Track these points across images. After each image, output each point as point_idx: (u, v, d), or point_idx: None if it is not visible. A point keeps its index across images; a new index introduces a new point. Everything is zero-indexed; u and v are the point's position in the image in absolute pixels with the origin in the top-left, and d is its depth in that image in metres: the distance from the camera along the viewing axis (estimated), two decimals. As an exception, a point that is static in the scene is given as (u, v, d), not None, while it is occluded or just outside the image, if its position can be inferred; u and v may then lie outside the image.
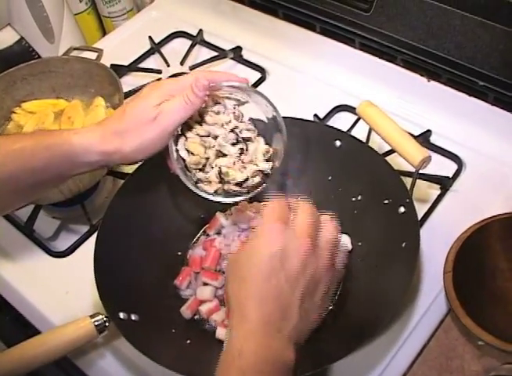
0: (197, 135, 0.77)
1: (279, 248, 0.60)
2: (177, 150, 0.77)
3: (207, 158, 0.76)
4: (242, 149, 0.77)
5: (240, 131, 0.77)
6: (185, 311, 0.81)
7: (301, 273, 0.60)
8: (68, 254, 0.95)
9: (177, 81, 0.75)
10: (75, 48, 1.10)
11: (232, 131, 0.76)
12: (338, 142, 0.88)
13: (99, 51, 1.08)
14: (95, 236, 0.86)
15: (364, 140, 0.91)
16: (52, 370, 0.90)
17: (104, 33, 1.44)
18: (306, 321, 0.61)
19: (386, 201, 0.83)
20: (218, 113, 0.77)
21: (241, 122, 0.78)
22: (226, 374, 0.57)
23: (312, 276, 0.61)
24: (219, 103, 0.78)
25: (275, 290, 0.59)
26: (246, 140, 0.77)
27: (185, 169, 0.77)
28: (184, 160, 0.77)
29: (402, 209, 0.80)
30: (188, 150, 0.76)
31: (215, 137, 0.76)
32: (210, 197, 0.76)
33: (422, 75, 1.03)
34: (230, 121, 0.76)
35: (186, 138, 0.77)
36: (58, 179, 0.78)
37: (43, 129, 0.86)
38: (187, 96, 0.72)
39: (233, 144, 0.76)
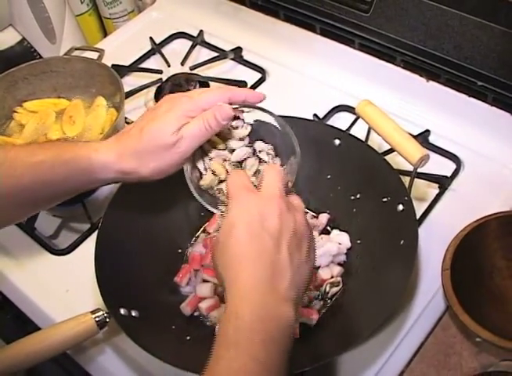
0: (218, 151, 0.76)
1: (255, 214, 0.61)
2: (194, 168, 0.77)
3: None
4: (258, 171, 0.77)
5: (259, 152, 0.76)
6: (185, 308, 0.82)
7: (283, 229, 0.61)
8: (69, 253, 0.95)
9: (194, 101, 0.73)
10: (76, 49, 1.10)
11: (249, 145, 0.76)
12: (337, 141, 0.89)
13: (101, 51, 1.09)
14: (95, 234, 0.87)
15: (363, 139, 0.92)
16: (51, 367, 0.91)
17: (105, 34, 1.44)
18: (299, 276, 0.61)
19: (384, 199, 0.84)
20: (236, 127, 0.77)
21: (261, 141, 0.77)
22: (224, 335, 0.57)
23: (294, 230, 0.61)
24: (238, 118, 0.76)
25: (262, 249, 0.60)
26: (262, 161, 0.77)
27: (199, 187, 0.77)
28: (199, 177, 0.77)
29: (400, 207, 0.81)
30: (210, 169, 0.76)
31: (232, 150, 0.76)
32: None
33: (421, 75, 1.04)
34: (248, 136, 0.76)
35: (208, 155, 0.77)
36: (73, 193, 0.79)
37: (63, 140, 0.87)
38: (208, 123, 0.71)
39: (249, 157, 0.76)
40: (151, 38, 1.26)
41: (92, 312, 0.77)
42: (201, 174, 0.76)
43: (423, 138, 0.99)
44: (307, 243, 0.63)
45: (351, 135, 0.91)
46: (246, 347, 0.55)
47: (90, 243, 0.94)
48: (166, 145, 0.72)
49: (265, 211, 0.61)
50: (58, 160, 0.73)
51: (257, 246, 0.60)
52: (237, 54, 1.20)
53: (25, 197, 0.75)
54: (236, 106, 0.74)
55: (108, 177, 0.75)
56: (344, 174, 0.89)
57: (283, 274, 0.59)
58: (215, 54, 1.21)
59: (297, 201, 0.66)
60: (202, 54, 1.24)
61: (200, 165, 0.76)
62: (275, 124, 0.76)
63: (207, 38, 1.26)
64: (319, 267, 0.84)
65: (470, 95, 0.99)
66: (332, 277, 0.82)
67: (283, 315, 0.58)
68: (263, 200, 0.63)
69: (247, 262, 0.59)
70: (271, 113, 0.75)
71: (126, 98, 1.05)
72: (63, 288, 0.91)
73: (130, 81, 1.17)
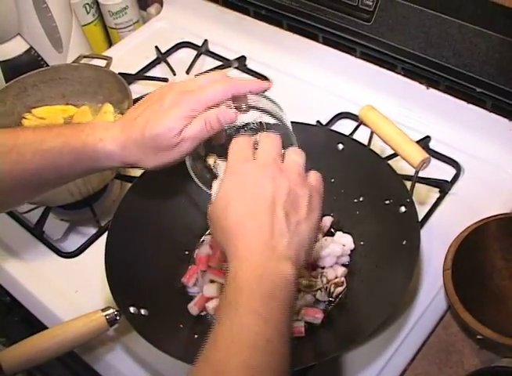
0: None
1: (249, 182, 0.64)
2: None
3: None
4: None
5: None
6: (193, 307, 0.84)
7: (276, 193, 0.63)
8: (77, 255, 0.97)
9: (198, 98, 0.73)
10: (85, 56, 1.12)
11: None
12: (341, 146, 0.91)
13: (108, 59, 1.11)
14: (103, 237, 0.89)
15: (365, 144, 0.94)
16: (58, 368, 0.93)
17: (110, 44, 1.47)
18: (299, 234, 0.63)
19: (387, 202, 0.86)
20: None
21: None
22: (225, 299, 0.59)
23: (288, 192, 0.63)
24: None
25: (257, 213, 0.62)
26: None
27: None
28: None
29: (402, 209, 0.83)
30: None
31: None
32: None
33: (421, 83, 1.06)
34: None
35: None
36: (78, 177, 0.82)
37: (70, 125, 0.87)
38: (210, 125, 0.72)
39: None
40: (157, 48, 1.29)
41: (103, 310, 0.78)
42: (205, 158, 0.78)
43: (423, 144, 1.00)
44: (305, 202, 0.64)
45: (354, 139, 0.93)
46: (247, 304, 0.57)
47: (98, 246, 0.96)
48: (168, 146, 0.73)
49: (258, 178, 0.64)
50: (66, 147, 0.75)
51: (253, 214, 0.62)
52: (241, 63, 1.23)
53: (32, 182, 0.77)
54: (241, 108, 0.75)
55: (112, 165, 0.78)
56: (347, 177, 0.91)
57: (281, 235, 0.61)
58: (220, 63, 1.24)
59: (295, 157, 0.67)
60: (207, 63, 1.26)
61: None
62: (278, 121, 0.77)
63: (211, 48, 1.28)
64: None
65: (469, 102, 1.01)
66: (336, 278, 0.84)
67: (281, 273, 0.60)
68: (257, 167, 0.65)
69: (245, 231, 0.62)
70: (275, 114, 0.77)
71: (133, 105, 1.07)
72: (71, 289, 0.92)
73: (136, 89, 1.19)
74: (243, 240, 0.61)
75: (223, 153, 0.74)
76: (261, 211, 0.62)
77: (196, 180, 0.78)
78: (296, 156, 0.68)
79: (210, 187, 0.76)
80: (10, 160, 0.74)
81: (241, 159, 0.67)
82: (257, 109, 0.76)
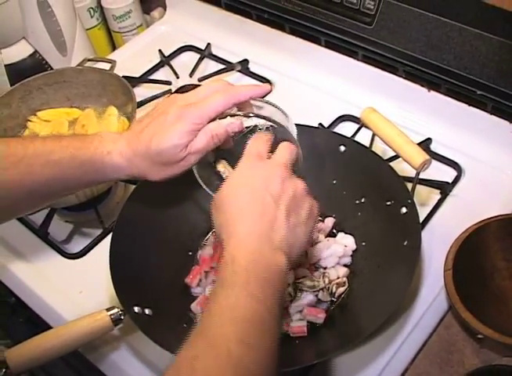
0: None
1: (259, 177, 0.67)
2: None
3: None
4: None
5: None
6: (196, 307, 0.84)
7: (283, 193, 0.67)
8: (81, 256, 0.98)
9: (201, 111, 0.74)
10: (89, 60, 1.14)
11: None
12: (343, 148, 0.92)
13: (113, 62, 1.12)
14: (107, 238, 0.90)
15: (367, 146, 0.95)
16: (62, 367, 0.94)
17: (114, 48, 1.48)
18: (295, 235, 0.67)
19: (388, 203, 0.86)
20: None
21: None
22: (221, 280, 0.61)
23: (294, 194, 0.67)
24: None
25: (262, 207, 0.65)
26: None
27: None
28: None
29: (403, 209, 0.84)
30: None
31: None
32: None
33: (422, 86, 1.07)
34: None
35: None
36: (85, 187, 0.86)
37: (78, 136, 0.88)
38: (217, 137, 0.74)
39: None
40: (160, 51, 1.30)
41: (107, 310, 0.79)
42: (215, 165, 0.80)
43: (424, 146, 1.01)
44: (306, 210, 0.68)
45: (355, 141, 0.94)
46: (243, 286, 0.59)
47: (102, 247, 0.97)
48: (174, 160, 0.75)
49: (269, 176, 0.67)
50: (75, 160, 0.76)
51: (258, 204, 0.65)
52: (244, 66, 1.24)
53: (40, 192, 0.78)
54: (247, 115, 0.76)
55: (119, 178, 0.81)
56: (349, 179, 0.92)
57: (279, 229, 0.65)
58: (222, 66, 1.25)
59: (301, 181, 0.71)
60: (210, 66, 1.27)
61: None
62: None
63: (214, 51, 1.29)
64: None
65: (470, 104, 1.02)
66: (338, 278, 0.85)
67: (276, 261, 0.63)
68: (270, 166, 0.69)
69: (247, 217, 0.65)
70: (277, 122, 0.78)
71: (137, 108, 1.08)
72: (76, 290, 0.93)
73: (140, 92, 1.20)
74: (244, 225, 0.65)
75: (232, 159, 0.76)
76: (266, 202, 0.65)
77: (205, 186, 0.78)
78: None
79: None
80: (19, 171, 0.75)
81: (256, 155, 0.70)
82: (262, 117, 0.78)
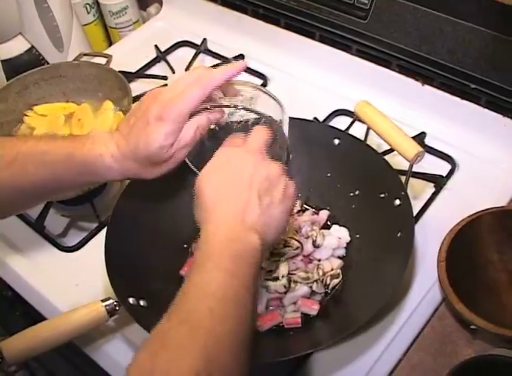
0: None
1: (232, 163, 0.70)
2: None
3: None
4: None
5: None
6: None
7: (255, 175, 0.69)
8: (77, 249, 0.98)
9: (182, 107, 0.74)
10: (85, 54, 1.14)
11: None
12: (337, 141, 0.93)
13: (109, 57, 1.13)
14: (103, 232, 0.90)
15: (362, 139, 0.96)
16: (57, 357, 0.94)
17: (110, 43, 1.49)
18: (270, 215, 0.69)
19: (382, 195, 0.87)
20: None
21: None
22: (196, 259, 0.63)
23: (267, 176, 0.69)
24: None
25: (235, 188, 0.68)
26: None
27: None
28: None
29: (397, 202, 0.84)
30: None
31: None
32: None
33: (416, 80, 1.07)
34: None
35: None
36: (79, 188, 0.88)
37: (72, 137, 0.88)
38: (202, 127, 0.76)
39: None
40: (156, 46, 1.30)
41: (103, 301, 0.80)
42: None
43: (418, 140, 1.01)
44: (280, 190, 0.70)
45: (349, 134, 0.94)
46: (217, 261, 0.62)
47: (98, 240, 0.97)
48: (164, 160, 0.76)
49: (242, 160, 0.71)
50: (68, 161, 0.77)
51: (232, 188, 0.69)
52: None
53: (34, 192, 0.79)
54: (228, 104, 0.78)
55: (113, 178, 0.83)
56: (344, 172, 0.92)
57: (252, 210, 0.67)
58: (218, 61, 1.25)
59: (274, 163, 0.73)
60: (205, 61, 1.28)
61: None
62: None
63: (210, 46, 1.30)
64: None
65: (463, 98, 1.03)
66: (332, 270, 0.85)
67: (249, 239, 0.65)
68: (243, 152, 0.72)
69: (221, 201, 0.68)
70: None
71: (133, 102, 1.08)
72: (72, 283, 0.93)
73: (136, 87, 1.19)
74: (219, 208, 0.67)
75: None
76: (238, 187, 0.68)
77: (198, 172, 0.79)
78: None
79: None
80: (12, 171, 0.76)
81: (231, 144, 0.74)
82: (247, 109, 0.78)
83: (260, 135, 0.74)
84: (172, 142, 0.75)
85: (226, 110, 0.79)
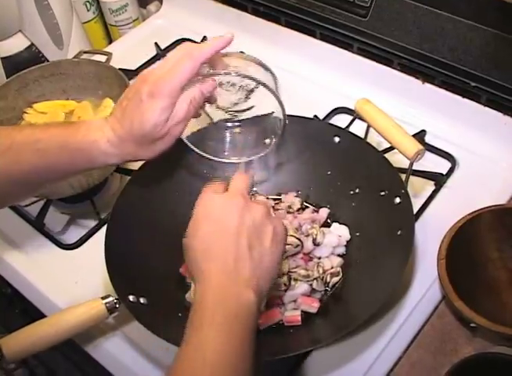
0: None
1: (216, 213, 0.67)
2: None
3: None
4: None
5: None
6: (190, 297, 0.85)
7: (241, 225, 0.66)
8: (77, 247, 0.98)
9: (173, 83, 0.75)
10: (85, 52, 1.14)
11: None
12: (337, 139, 0.93)
13: (108, 54, 1.13)
14: (103, 229, 0.90)
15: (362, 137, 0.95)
16: (57, 354, 0.94)
17: (110, 41, 1.48)
18: (261, 266, 0.66)
19: (382, 193, 0.87)
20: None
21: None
22: (191, 322, 0.62)
23: (253, 223, 0.67)
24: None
25: (223, 244, 0.65)
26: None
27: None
28: None
29: (397, 200, 0.84)
30: None
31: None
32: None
33: (417, 78, 1.07)
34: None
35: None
36: (77, 174, 0.86)
37: (66, 124, 0.90)
38: (195, 101, 0.76)
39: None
40: (156, 44, 1.30)
41: (103, 298, 0.80)
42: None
43: (419, 138, 1.00)
44: (269, 235, 0.68)
45: (350, 132, 0.94)
46: (211, 325, 0.60)
47: (98, 238, 0.97)
48: (160, 136, 0.76)
49: (224, 209, 0.68)
50: (63, 148, 0.77)
51: (220, 242, 0.66)
52: (239, 59, 1.24)
53: (29, 180, 0.79)
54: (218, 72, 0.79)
55: (111, 162, 0.81)
56: (344, 170, 0.92)
57: (244, 266, 0.65)
58: (218, 59, 1.25)
59: (261, 200, 0.73)
60: (205, 59, 1.27)
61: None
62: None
63: (210, 44, 1.30)
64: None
65: (464, 96, 1.03)
66: (332, 268, 0.85)
67: (243, 296, 0.63)
68: (224, 199, 0.69)
69: (211, 256, 0.65)
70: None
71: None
72: (71, 280, 0.93)
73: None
74: (209, 264, 0.65)
75: None
76: (225, 241, 0.66)
77: (197, 150, 0.83)
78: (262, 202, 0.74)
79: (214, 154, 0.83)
80: (7, 160, 0.76)
81: (211, 191, 0.71)
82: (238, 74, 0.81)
83: (240, 180, 0.72)
84: (167, 118, 0.75)
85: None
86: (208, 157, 0.86)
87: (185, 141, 0.83)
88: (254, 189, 0.91)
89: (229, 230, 0.66)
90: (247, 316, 0.62)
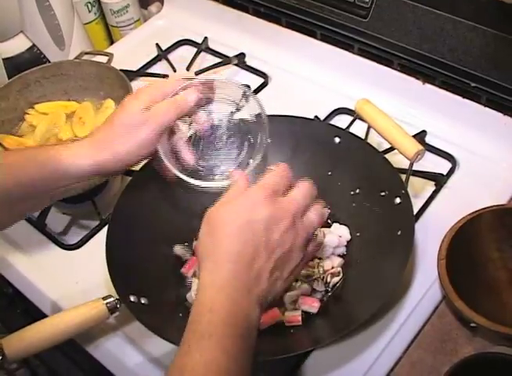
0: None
1: (265, 217, 0.63)
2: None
3: None
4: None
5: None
6: (191, 297, 0.85)
7: (280, 245, 0.63)
8: (78, 248, 0.99)
9: (158, 88, 0.78)
10: (86, 53, 1.15)
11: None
12: (338, 139, 0.93)
13: (110, 55, 1.13)
14: (104, 230, 0.91)
15: (362, 138, 0.96)
16: (58, 354, 0.94)
17: (112, 42, 1.48)
18: (272, 290, 0.64)
19: (382, 193, 0.87)
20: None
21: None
22: (196, 327, 0.59)
23: (288, 250, 0.64)
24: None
25: (254, 252, 0.62)
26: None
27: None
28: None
29: (397, 200, 0.85)
30: None
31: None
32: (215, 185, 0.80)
33: (417, 78, 1.07)
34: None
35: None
36: (49, 192, 0.79)
37: (36, 146, 0.88)
38: (177, 103, 0.76)
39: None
40: (157, 45, 1.30)
41: (103, 298, 0.80)
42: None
43: (419, 138, 1.01)
44: (294, 264, 0.66)
45: (350, 133, 0.94)
46: (219, 340, 0.58)
47: (99, 238, 0.97)
48: (137, 123, 0.75)
49: (274, 220, 0.64)
50: (29, 161, 0.76)
51: (251, 248, 0.62)
52: (240, 60, 1.24)
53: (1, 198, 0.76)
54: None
55: (82, 172, 0.76)
56: (344, 170, 0.93)
57: (261, 283, 0.63)
58: (219, 60, 1.25)
59: (315, 220, 0.68)
60: (207, 60, 1.28)
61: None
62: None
63: (211, 45, 1.30)
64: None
65: (464, 97, 1.03)
66: (333, 268, 0.85)
67: (252, 316, 0.61)
68: (278, 209, 0.64)
69: (235, 258, 0.62)
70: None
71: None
72: (73, 280, 0.94)
73: (137, 86, 1.18)
74: (233, 261, 0.62)
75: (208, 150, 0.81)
76: (260, 250, 0.63)
77: (176, 172, 0.80)
78: (316, 216, 0.68)
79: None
80: None
81: (271, 189, 0.66)
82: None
83: (303, 194, 0.68)
84: (147, 106, 0.75)
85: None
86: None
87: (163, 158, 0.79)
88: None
89: (268, 243, 0.63)
90: (250, 336, 0.61)
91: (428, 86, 1.06)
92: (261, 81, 1.20)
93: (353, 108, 0.97)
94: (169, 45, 1.32)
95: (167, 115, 0.76)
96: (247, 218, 0.63)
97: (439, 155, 1.02)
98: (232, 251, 0.62)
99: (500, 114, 1.00)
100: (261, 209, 0.64)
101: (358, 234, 0.89)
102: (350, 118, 1.05)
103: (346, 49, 1.15)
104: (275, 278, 0.64)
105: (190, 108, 0.77)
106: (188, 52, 1.30)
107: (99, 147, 0.75)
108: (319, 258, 0.87)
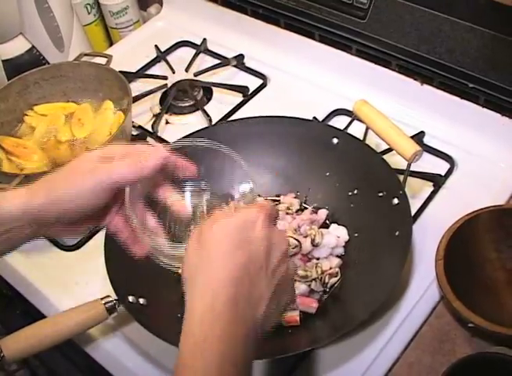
0: None
1: (268, 237, 0.60)
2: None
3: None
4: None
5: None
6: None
7: (280, 269, 0.60)
8: (77, 248, 0.99)
9: (131, 148, 0.69)
10: (85, 54, 1.14)
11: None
12: (336, 140, 0.93)
13: (109, 57, 1.13)
14: (103, 231, 0.90)
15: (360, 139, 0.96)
16: (57, 355, 0.94)
17: (111, 43, 1.49)
18: (266, 321, 0.60)
19: (380, 194, 0.87)
20: None
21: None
22: (191, 355, 0.55)
23: (284, 277, 0.61)
24: None
25: (256, 275, 0.58)
26: None
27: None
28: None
29: (395, 201, 0.85)
30: None
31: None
32: None
33: (415, 79, 1.07)
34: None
35: None
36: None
37: None
38: (140, 163, 0.66)
39: None
40: (156, 46, 1.31)
41: (102, 299, 0.80)
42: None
43: (417, 139, 1.01)
44: (287, 296, 0.63)
45: (348, 134, 0.95)
46: (219, 366, 0.54)
47: (98, 239, 0.97)
48: (82, 170, 0.66)
49: (275, 241, 0.60)
50: None
51: (254, 271, 0.58)
52: (239, 61, 1.24)
53: None
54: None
55: (13, 213, 0.66)
56: (342, 171, 0.93)
57: (257, 308, 0.58)
58: (218, 61, 1.26)
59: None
60: (205, 61, 1.28)
61: None
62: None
63: (210, 46, 1.30)
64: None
65: (462, 98, 1.03)
66: (331, 268, 0.85)
67: (250, 344, 0.57)
68: (276, 232, 0.62)
69: (234, 281, 0.57)
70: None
71: (133, 102, 1.09)
72: (72, 281, 0.94)
73: (136, 87, 1.21)
74: (230, 284, 0.56)
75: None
76: (262, 274, 0.59)
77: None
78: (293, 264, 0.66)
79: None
80: None
81: (268, 214, 0.62)
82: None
83: (283, 245, 0.62)
84: (99, 159, 0.67)
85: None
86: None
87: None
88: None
89: (270, 266, 0.59)
90: (250, 353, 0.57)
91: (426, 87, 1.07)
92: (259, 82, 1.20)
93: (351, 109, 0.97)
94: (168, 46, 1.32)
95: (120, 171, 0.66)
96: (246, 234, 0.59)
97: (437, 156, 1.03)
98: (231, 273, 0.57)
99: (498, 115, 1.00)
100: (260, 228, 0.60)
101: (356, 235, 0.89)
102: (348, 119, 1.06)
103: (344, 50, 1.15)
104: (271, 309, 0.59)
105: (150, 173, 0.67)
106: (187, 53, 1.30)
107: (34, 189, 0.68)
108: (317, 259, 0.87)
